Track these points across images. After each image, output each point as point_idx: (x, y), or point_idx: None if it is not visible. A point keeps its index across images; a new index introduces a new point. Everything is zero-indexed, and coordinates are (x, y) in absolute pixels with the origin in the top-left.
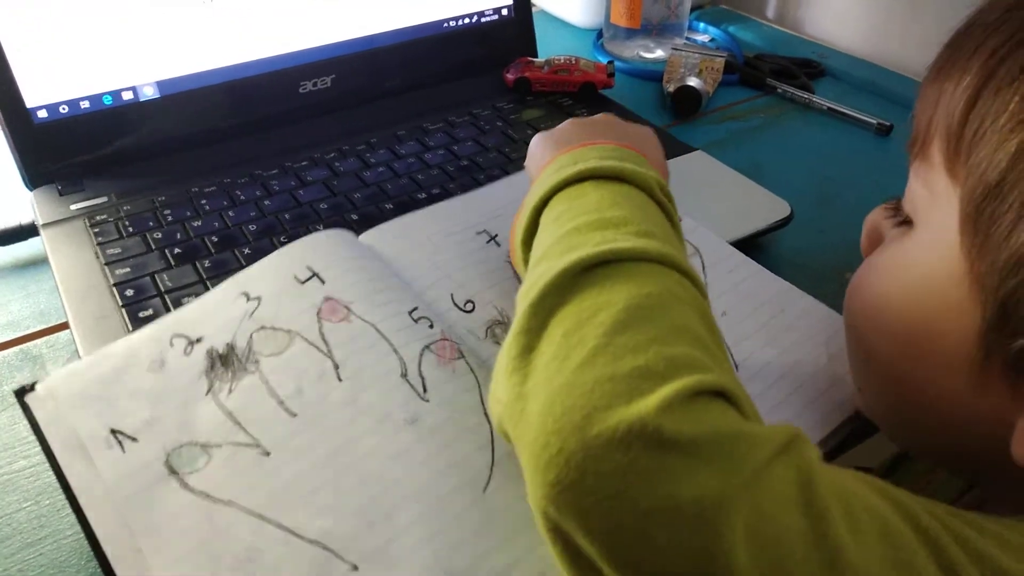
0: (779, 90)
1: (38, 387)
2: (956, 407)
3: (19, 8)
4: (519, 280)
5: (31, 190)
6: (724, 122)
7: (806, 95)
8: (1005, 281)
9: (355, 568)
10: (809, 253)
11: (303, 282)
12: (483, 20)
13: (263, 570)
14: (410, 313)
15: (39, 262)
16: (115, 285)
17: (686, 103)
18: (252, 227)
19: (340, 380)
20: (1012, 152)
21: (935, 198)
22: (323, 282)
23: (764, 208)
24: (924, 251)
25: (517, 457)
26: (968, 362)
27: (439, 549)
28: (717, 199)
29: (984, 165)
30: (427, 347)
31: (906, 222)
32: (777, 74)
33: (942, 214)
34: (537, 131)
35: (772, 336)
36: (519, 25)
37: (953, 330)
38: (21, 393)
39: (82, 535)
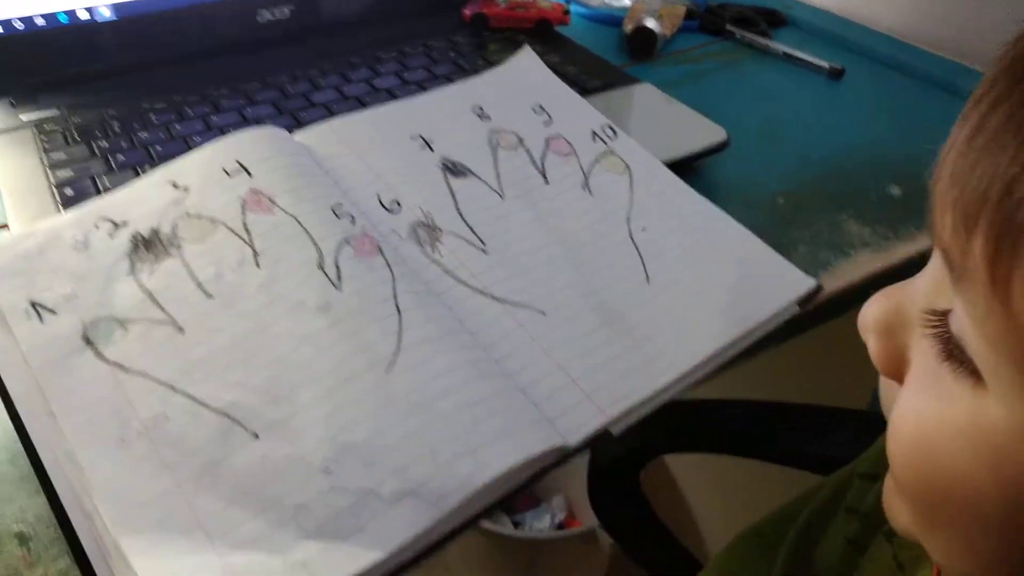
0: (737, 35)
1: None
2: None
3: None
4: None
5: None
6: (680, 64)
7: (763, 40)
8: None
9: (256, 436)
10: (745, 180)
11: (231, 174)
12: None
13: (169, 435)
14: (333, 208)
15: None
16: (56, 186)
17: (641, 43)
18: (197, 139)
19: (258, 267)
20: None
21: (998, 348)
22: (250, 175)
23: (701, 133)
24: (1010, 434)
25: (422, 346)
26: None
27: (337, 424)
28: (655, 123)
29: None
30: (346, 240)
31: (971, 370)
32: (737, 21)
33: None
34: (490, 64)
35: (688, 255)
36: None
37: None
38: None
39: None
